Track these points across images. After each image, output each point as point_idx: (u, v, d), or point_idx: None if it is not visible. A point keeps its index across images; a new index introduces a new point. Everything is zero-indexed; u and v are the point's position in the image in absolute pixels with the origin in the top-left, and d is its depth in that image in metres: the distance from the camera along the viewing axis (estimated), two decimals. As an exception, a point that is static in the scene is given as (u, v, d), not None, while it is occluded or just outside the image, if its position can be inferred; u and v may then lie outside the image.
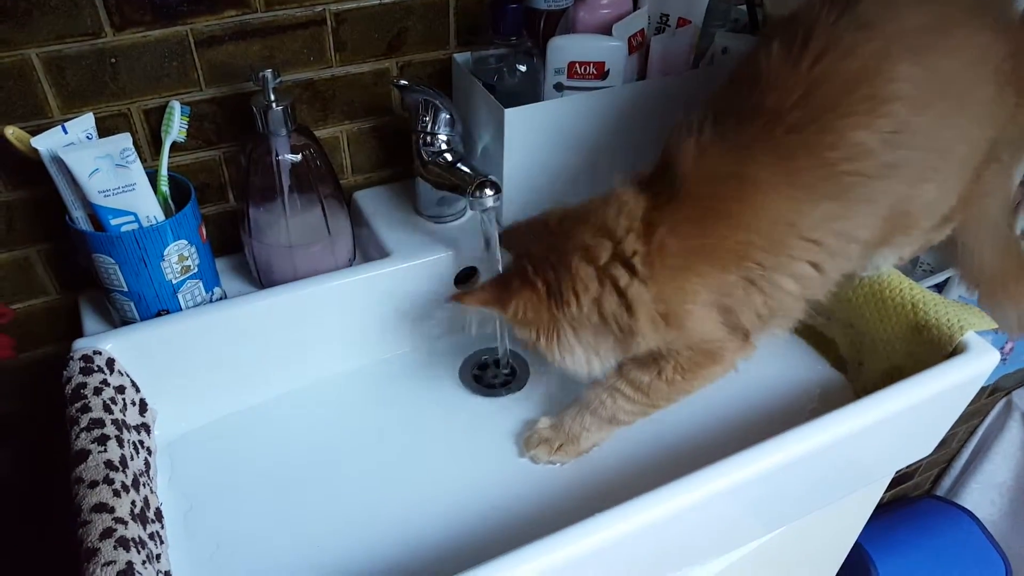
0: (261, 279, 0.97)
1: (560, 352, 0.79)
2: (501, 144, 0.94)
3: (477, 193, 0.87)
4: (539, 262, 0.76)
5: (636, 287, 0.71)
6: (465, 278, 1.02)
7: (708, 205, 0.70)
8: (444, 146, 0.95)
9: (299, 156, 0.89)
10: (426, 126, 0.94)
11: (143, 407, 0.82)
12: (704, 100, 0.76)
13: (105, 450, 0.66)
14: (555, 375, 0.97)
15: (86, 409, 0.70)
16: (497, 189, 0.87)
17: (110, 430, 0.69)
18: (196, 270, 0.87)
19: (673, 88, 0.99)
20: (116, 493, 0.62)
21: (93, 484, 0.62)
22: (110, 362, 0.79)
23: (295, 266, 0.94)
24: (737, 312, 0.74)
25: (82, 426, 0.69)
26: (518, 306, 0.76)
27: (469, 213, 1.04)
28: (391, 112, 1.02)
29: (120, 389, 0.78)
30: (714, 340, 0.75)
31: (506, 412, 0.96)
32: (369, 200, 1.05)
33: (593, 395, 0.86)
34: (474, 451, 0.91)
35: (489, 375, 1.01)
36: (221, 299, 0.93)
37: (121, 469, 0.65)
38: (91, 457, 0.64)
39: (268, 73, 0.84)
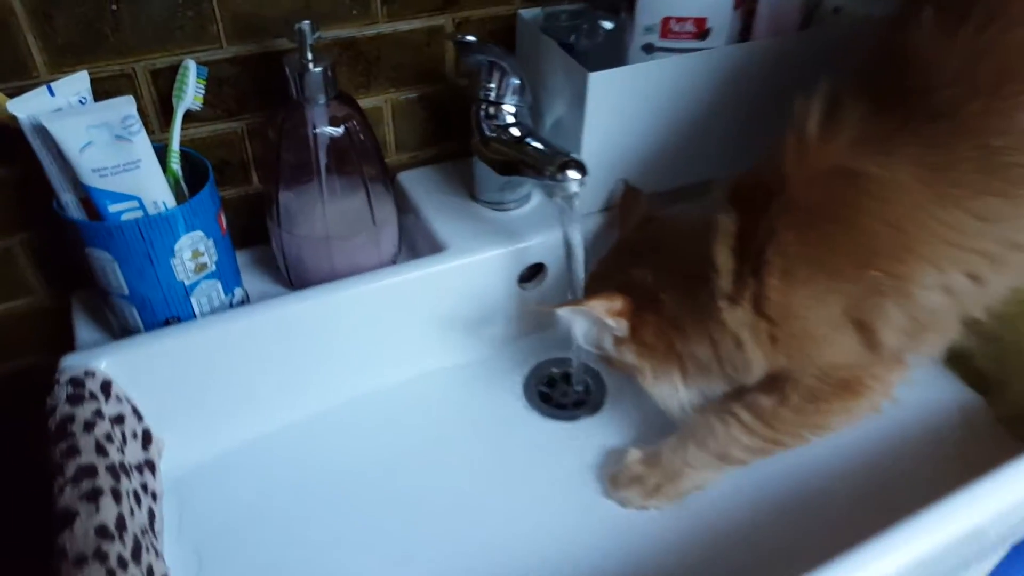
0: (291, 278, 0.81)
1: (661, 384, 0.70)
2: (580, 116, 0.77)
3: (559, 175, 0.71)
4: (661, 283, 0.68)
5: (741, 314, 0.62)
6: (529, 276, 0.86)
7: (820, 209, 0.60)
8: (511, 118, 0.78)
9: (340, 129, 0.73)
10: (489, 94, 0.78)
11: (147, 439, 0.66)
12: (826, 80, 0.65)
13: (97, 510, 0.50)
14: (641, 394, 0.81)
15: (73, 452, 0.55)
16: (583, 171, 0.71)
17: (104, 481, 0.54)
18: (214, 268, 0.71)
19: (783, 52, 0.82)
20: (111, 573, 0.46)
21: (80, 560, 0.46)
22: (106, 385, 0.64)
23: (333, 262, 0.78)
24: (876, 329, 0.62)
25: (68, 476, 0.53)
26: (645, 329, 0.67)
27: (535, 199, 0.88)
28: (444, 79, 0.86)
29: (118, 419, 0.63)
30: (849, 365, 0.64)
31: (583, 439, 0.81)
32: (416, 183, 0.89)
33: (700, 422, 0.71)
34: (545, 489, 0.76)
35: (559, 393, 0.86)
36: (243, 303, 0.77)
37: (118, 535, 0.50)
38: (78, 522, 0.49)
39: (306, 26, 0.67)
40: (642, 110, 0.80)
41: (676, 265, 0.67)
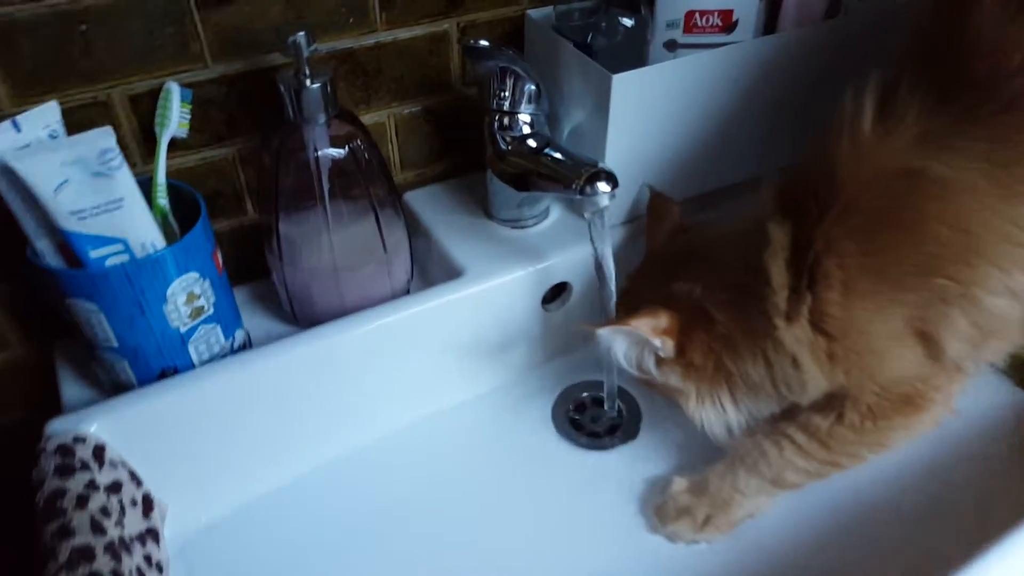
0: (296, 314, 0.74)
1: (706, 407, 0.65)
2: (603, 121, 0.71)
3: (587, 189, 0.64)
4: (710, 297, 0.62)
5: (799, 332, 0.58)
6: (553, 296, 0.80)
7: (880, 214, 0.56)
8: (527, 128, 0.72)
9: (344, 150, 0.66)
10: (503, 103, 0.71)
11: (148, 505, 0.60)
12: (874, 71, 0.60)
13: (96, 605, 0.43)
14: (680, 417, 0.74)
15: (66, 533, 0.48)
16: (614, 182, 0.65)
17: (103, 564, 0.47)
18: (211, 311, 0.64)
19: (813, 43, 0.76)
20: None
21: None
22: (98, 451, 0.57)
23: (342, 296, 0.71)
24: (940, 339, 0.58)
25: (62, 561, 0.47)
26: (693, 348, 0.62)
27: (554, 214, 0.81)
28: (450, 88, 0.79)
29: (114, 488, 0.56)
30: (911, 379, 0.60)
31: (622, 469, 0.75)
32: (426, 203, 0.82)
33: (750, 446, 0.66)
34: (584, 527, 0.69)
35: (590, 419, 0.79)
36: (245, 347, 0.70)
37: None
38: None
39: (301, 38, 0.61)
40: (668, 112, 0.74)
41: (724, 278, 0.62)
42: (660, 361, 0.64)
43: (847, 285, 0.56)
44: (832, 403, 0.62)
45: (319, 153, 0.66)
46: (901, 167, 0.55)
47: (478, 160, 0.83)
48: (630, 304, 0.67)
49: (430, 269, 0.80)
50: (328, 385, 0.70)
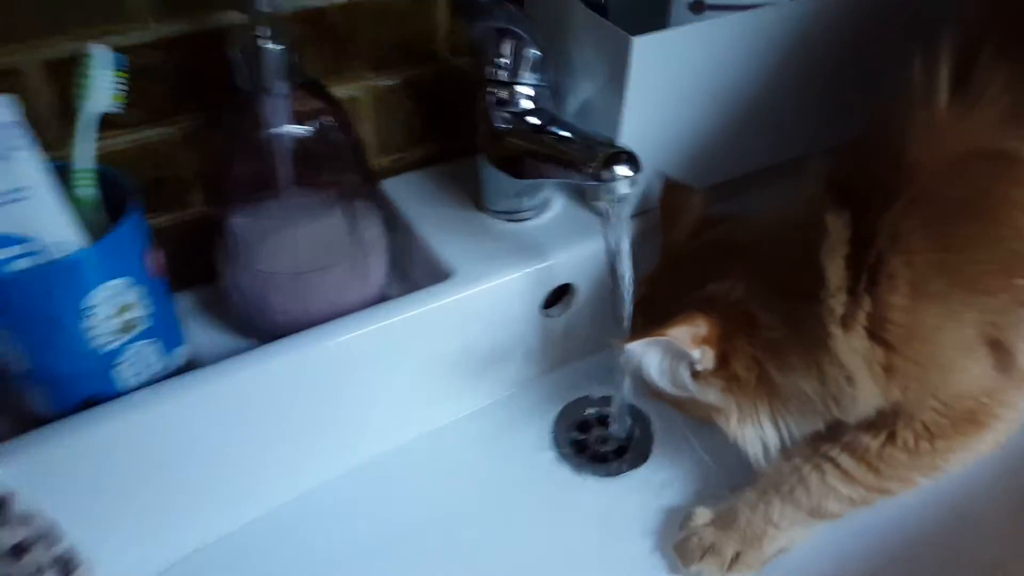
0: (251, 325, 0.62)
1: (747, 425, 0.56)
2: (619, 94, 0.61)
3: (604, 173, 0.53)
4: (755, 300, 0.54)
5: (856, 342, 0.50)
6: (554, 300, 0.69)
7: (957, 204, 0.49)
8: (529, 103, 0.61)
9: (310, 128, 0.55)
10: (500, 73, 0.60)
11: (69, 567, 0.48)
12: (946, 35, 0.52)
13: None
14: (698, 436, 0.66)
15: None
16: (636, 165, 0.54)
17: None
18: (146, 324, 0.53)
19: (860, 3, 0.66)
20: None
21: None
22: (5, 502, 0.45)
23: (307, 303, 0.60)
24: (1014, 349, 0.52)
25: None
26: (736, 358, 0.53)
27: (556, 205, 0.70)
28: (436, 58, 0.68)
29: (19, 550, 0.44)
30: (976, 394, 0.53)
31: (634, 498, 0.65)
32: (407, 192, 0.71)
33: (786, 471, 0.58)
34: (592, 566, 0.60)
35: (596, 439, 0.69)
36: (191, 366, 0.58)
37: None
38: None
39: (256, -12, 0.49)
40: (694, 83, 0.63)
41: (770, 277, 0.54)
42: (696, 375, 0.54)
43: (915, 287, 0.49)
44: (882, 421, 0.54)
45: (279, 131, 0.54)
46: (984, 148, 0.49)
47: (468, 142, 0.72)
48: (651, 312, 0.58)
49: (412, 270, 0.68)
50: (292, 410, 0.59)
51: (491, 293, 0.63)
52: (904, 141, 0.50)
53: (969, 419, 0.53)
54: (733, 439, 0.56)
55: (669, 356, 0.54)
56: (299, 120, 0.55)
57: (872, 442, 0.55)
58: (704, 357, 0.53)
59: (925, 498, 0.58)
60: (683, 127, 0.65)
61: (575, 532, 0.62)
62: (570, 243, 0.66)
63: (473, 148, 0.66)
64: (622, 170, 0.53)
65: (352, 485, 0.63)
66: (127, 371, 0.53)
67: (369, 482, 0.64)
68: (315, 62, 0.63)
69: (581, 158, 0.55)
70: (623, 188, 0.54)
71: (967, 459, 0.55)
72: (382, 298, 0.65)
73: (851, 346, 0.50)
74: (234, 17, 0.57)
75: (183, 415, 0.53)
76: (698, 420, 0.59)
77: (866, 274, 0.49)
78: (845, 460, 0.56)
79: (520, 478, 0.65)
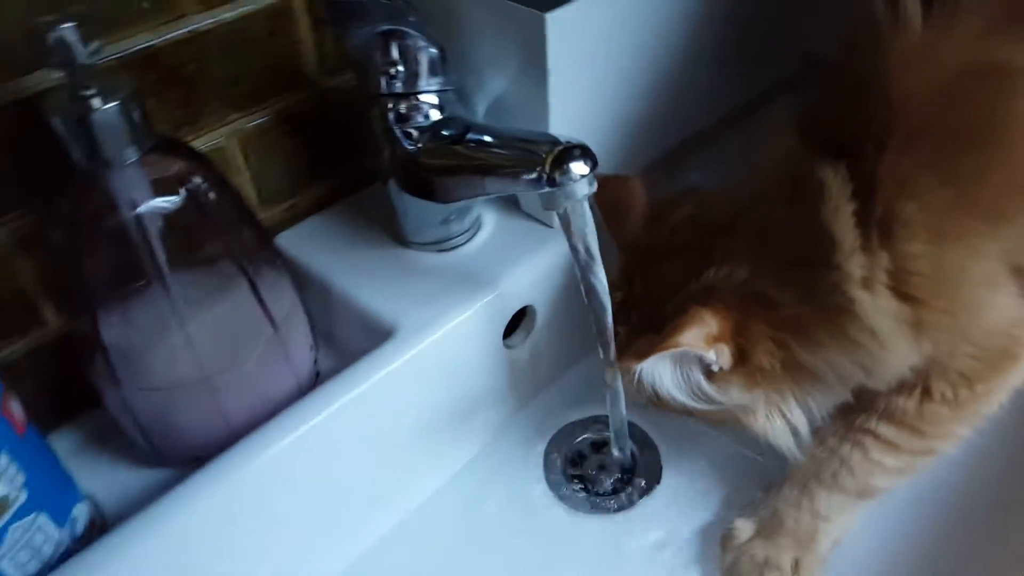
0: (158, 450, 0.50)
1: (776, 418, 0.49)
2: (540, 80, 0.52)
3: (559, 175, 0.44)
4: (762, 278, 0.47)
5: (881, 302, 0.44)
6: (511, 328, 0.59)
7: (959, 130, 0.44)
8: (435, 112, 0.51)
9: (177, 196, 0.43)
10: (396, 83, 0.50)
11: None
12: None
13: None
14: (705, 440, 0.59)
15: None
16: (592, 159, 0.45)
17: None
18: (22, 497, 0.39)
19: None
20: None
21: None
22: None
23: (225, 412, 0.47)
24: None
25: None
26: (756, 347, 0.46)
27: (489, 222, 0.60)
28: (307, 81, 0.57)
29: None
30: (1007, 325, 0.48)
31: (658, 526, 0.57)
32: (310, 243, 0.59)
33: (824, 456, 0.53)
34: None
35: (595, 469, 0.61)
36: (95, 528, 0.45)
37: None
38: None
39: (68, 32, 0.37)
40: (615, 54, 0.55)
41: (773, 250, 0.47)
42: (713, 377, 0.47)
43: (933, 230, 0.43)
44: (914, 380, 0.49)
45: (140, 210, 0.42)
46: (975, 64, 0.43)
47: (368, 169, 0.61)
48: (635, 318, 0.51)
49: (339, 334, 0.57)
50: (238, 544, 0.47)
51: (446, 339, 0.53)
52: (885, 75, 0.44)
53: (1003, 355, 0.48)
54: (763, 436, 0.49)
55: (681, 365, 0.46)
56: (160, 190, 0.43)
57: (908, 403, 0.50)
58: (721, 356, 0.45)
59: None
60: (613, 105, 0.57)
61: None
62: (516, 262, 0.57)
63: (373, 175, 0.56)
64: (578, 167, 0.44)
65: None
66: (10, 565, 0.39)
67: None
68: (163, 115, 0.50)
69: (523, 163, 0.45)
70: (583, 188, 0.45)
71: (1004, 397, 0.50)
72: (314, 377, 0.53)
73: (878, 308, 0.44)
74: (45, 77, 0.44)
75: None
76: (718, 425, 0.52)
77: (877, 228, 0.43)
78: (885, 429, 0.51)
79: (526, 535, 0.56)
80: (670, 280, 0.49)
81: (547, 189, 0.45)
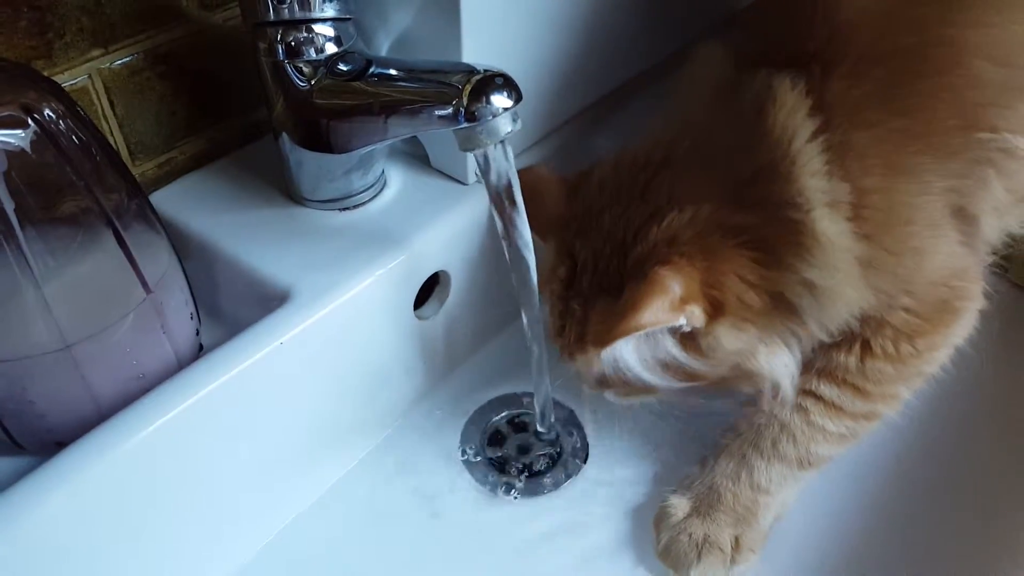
0: (15, 437, 0.42)
1: (778, 353, 0.45)
2: (452, 15, 0.46)
3: (478, 107, 0.40)
4: (730, 209, 0.43)
5: (835, 230, 0.42)
6: (423, 297, 0.54)
7: (904, 59, 0.43)
8: (331, 45, 0.45)
9: (24, 131, 0.36)
10: (282, 10, 0.44)
11: None
12: None
13: None
14: (634, 424, 0.56)
15: None
16: (515, 92, 0.40)
17: None
18: None
19: None
20: None
21: None
22: None
23: (90, 387, 0.40)
24: (976, 213, 0.46)
25: None
26: (740, 288, 0.42)
27: (395, 180, 0.55)
28: (182, 15, 0.50)
29: None
30: (947, 276, 0.46)
31: (589, 511, 0.53)
32: (190, 203, 0.52)
33: (763, 423, 0.50)
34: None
35: (515, 450, 0.56)
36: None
37: None
38: None
39: None
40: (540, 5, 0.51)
41: (720, 177, 0.43)
42: (686, 338, 0.43)
43: (888, 163, 0.42)
44: (852, 335, 0.47)
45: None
46: None
47: (256, 119, 0.54)
48: (588, 284, 0.45)
49: (226, 305, 0.50)
50: (103, 544, 0.40)
51: (349, 307, 0.47)
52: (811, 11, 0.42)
53: (943, 308, 0.47)
54: (770, 375, 0.45)
55: (652, 338, 0.43)
56: (2, 123, 0.36)
57: (850, 359, 0.47)
58: (692, 318, 0.41)
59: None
60: (533, 46, 0.52)
61: (535, 569, 0.49)
62: (426, 222, 0.52)
63: (261, 128, 0.49)
64: (500, 100, 0.40)
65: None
66: None
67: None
68: (9, 46, 0.43)
69: (436, 98, 0.41)
70: (505, 125, 0.40)
71: (946, 356, 0.49)
72: (197, 352, 0.47)
73: (838, 240, 0.42)
74: None
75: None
76: (710, 390, 0.47)
77: (833, 155, 0.41)
78: (827, 390, 0.48)
79: (442, 525, 0.51)
80: (617, 232, 0.44)
81: (464, 125, 0.40)
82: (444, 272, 0.53)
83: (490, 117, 0.40)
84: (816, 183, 0.41)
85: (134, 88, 0.49)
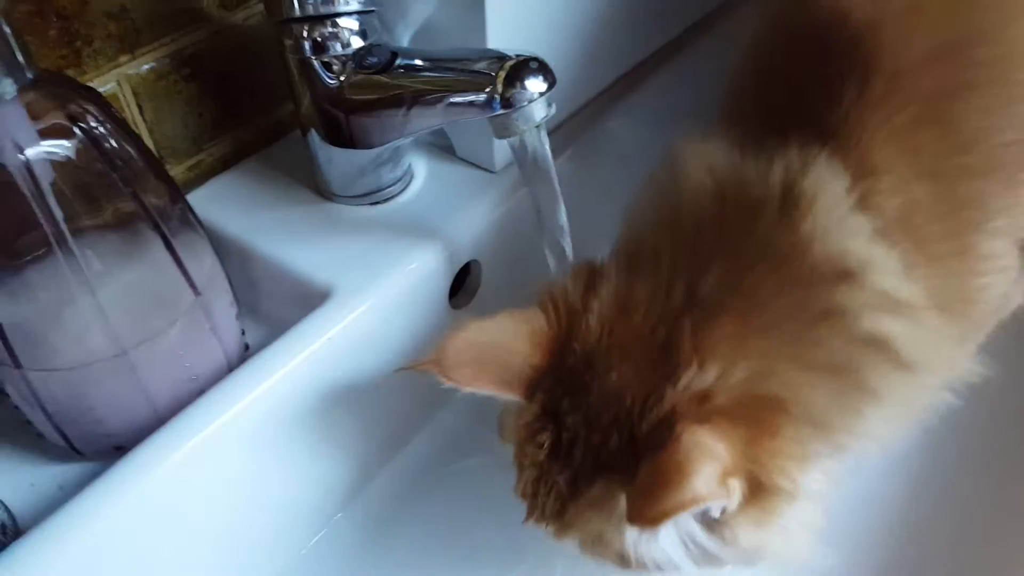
0: (74, 444, 0.42)
1: (796, 528, 0.37)
2: (478, 4, 0.46)
3: (514, 94, 0.40)
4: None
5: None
6: (460, 285, 0.55)
7: (943, 91, 0.38)
8: (357, 39, 0.45)
9: (71, 141, 0.36)
10: (307, 7, 0.44)
11: None
12: None
13: None
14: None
15: None
16: (550, 75, 0.41)
17: None
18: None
19: None
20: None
21: None
22: None
23: (147, 391, 0.41)
24: None
25: None
26: (780, 466, 0.34)
27: (421, 173, 0.55)
28: (204, 17, 0.50)
29: None
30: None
31: None
32: (223, 204, 0.52)
33: None
34: None
35: None
36: (9, 537, 0.38)
37: None
38: None
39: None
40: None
41: (764, 328, 0.36)
42: (715, 524, 0.35)
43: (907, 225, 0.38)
44: None
45: (20, 158, 0.35)
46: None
47: (282, 120, 0.55)
48: (583, 457, 0.37)
49: (265, 305, 0.51)
50: (168, 545, 0.40)
51: (388, 301, 0.48)
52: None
53: None
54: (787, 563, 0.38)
55: (680, 521, 0.35)
56: (48, 134, 0.36)
57: None
58: (733, 496, 0.33)
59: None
60: (554, 33, 0.52)
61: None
62: (457, 212, 0.52)
63: (287, 125, 0.50)
64: (535, 84, 0.40)
65: None
66: None
67: None
68: (40, 57, 0.43)
69: (470, 86, 0.41)
70: (540, 110, 0.41)
71: None
72: (243, 352, 0.47)
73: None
74: None
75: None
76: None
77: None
78: None
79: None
80: (625, 395, 0.36)
81: (499, 112, 0.41)
82: (475, 262, 0.54)
83: (525, 103, 0.40)
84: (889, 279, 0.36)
85: (162, 92, 0.49)
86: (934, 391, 0.38)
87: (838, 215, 0.36)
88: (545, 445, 0.37)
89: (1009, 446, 0.52)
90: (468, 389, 0.37)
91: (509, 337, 0.38)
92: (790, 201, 0.36)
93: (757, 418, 0.34)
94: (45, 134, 0.36)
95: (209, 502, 0.42)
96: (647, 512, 0.31)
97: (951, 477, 0.51)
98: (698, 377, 0.34)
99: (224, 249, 0.49)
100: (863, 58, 0.38)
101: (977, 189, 0.38)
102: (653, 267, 0.38)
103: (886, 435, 0.38)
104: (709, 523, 0.35)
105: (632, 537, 0.35)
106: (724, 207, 0.38)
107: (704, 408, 0.34)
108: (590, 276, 0.39)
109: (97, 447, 0.42)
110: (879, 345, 0.35)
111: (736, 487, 0.32)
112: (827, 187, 0.36)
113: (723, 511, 0.34)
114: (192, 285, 0.42)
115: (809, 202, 0.36)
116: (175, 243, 0.40)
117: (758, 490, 0.33)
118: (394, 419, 0.52)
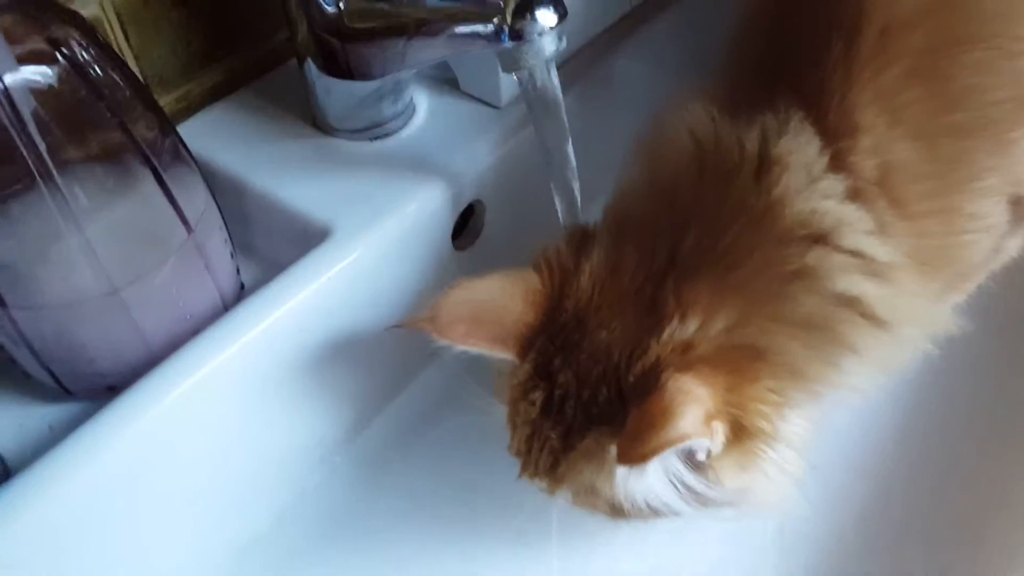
0: (65, 384, 0.41)
1: (777, 473, 0.38)
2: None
3: (523, 26, 0.38)
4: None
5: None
6: (463, 226, 0.53)
7: (934, 46, 0.37)
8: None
9: (54, 67, 0.34)
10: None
11: None
12: None
13: None
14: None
15: None
16: (562, 7, 0.38)
17: None
18: None
19: None
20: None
21: None
22: None
23: (140, 330, 0.40)
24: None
25: None
26: (760, 410, 0.36)
27: (423, 105, 0.53)
28: (195, -63, 0.47)
29: None
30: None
31: None
32: (215, 137, 0.50)
33: None
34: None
35: None
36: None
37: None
38: None
39: None
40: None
41: (740, 286, 0.37)
42: (699, 465, 0.36)
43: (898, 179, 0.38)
44: None
45: (3, 83, 0.33)
46: None
47: (273, 46, 0.52)
48: (574, 411, 0.38)
49: (260, 243, 0.49)
50: (163, 487, 0.39)
51: (390, 239, 0.47)
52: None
53: None
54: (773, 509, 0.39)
55: (667, 461, 0.36)
56: (28, 59, 0.34)
57: None
58: (716, 438, 0.34)
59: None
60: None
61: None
62: (460, 149, 0.50)
63: (278, 53, 0.47)
64: (546, 16, 0.38)
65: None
66: None
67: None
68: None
69: (477, 16, 0.39)
70: (551, 43, 0.39)
71: None
72: (239, 292, 0.46)
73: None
74: None
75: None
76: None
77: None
78: None
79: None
80: (613, 351, 0.37)
81: (508, 45, 0.38)
82: (479, 202, 0.52)
83: (536, 35, 0.38)
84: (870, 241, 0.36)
85: (148, 17, 0.47)
86: (912, 345, 0.39)
87: (809, 178, 0.36)
88: (538, 403, 0.38)
89: (990, 396, 0.51)
90: (462, 347, 0.38)
91: (504, 296, 0.39)
92: (764, 166, 0.37)
93: (737, 365, 0.35)
94: (24, 59, 0.34)
95: (204, 443, 0.41)
96: (637, 450, 0.32)
97: (932, 426, 0.50)
98: (680, 329, 0.36)
99: (217, 185, 0.47)
100: (853, 11, 0.36)
101: (965, 148, 0.38)
102: (640, 229, 0.39)
103: (865, 386, 0.39)
104: (696, 466, 0.36)
105: (623, 481, 0.36)
106: (703, 171, 0.38)
107: (687, 357, 0.35)
108: (582, 238, 0.40)
109: (88, 386, 0.41)
110: (853, 304, 0.36)
111: (719, 429, 0.34)
112: (799, 151, 0.36)
113: (708, 454, 0.35)
114: (184, 222, 0.40)
115: (781, 167, 0.36)
116: (166, 177, 0.39)
117: (740, 433, 0.35)
118: (396, 360, 0.51)
